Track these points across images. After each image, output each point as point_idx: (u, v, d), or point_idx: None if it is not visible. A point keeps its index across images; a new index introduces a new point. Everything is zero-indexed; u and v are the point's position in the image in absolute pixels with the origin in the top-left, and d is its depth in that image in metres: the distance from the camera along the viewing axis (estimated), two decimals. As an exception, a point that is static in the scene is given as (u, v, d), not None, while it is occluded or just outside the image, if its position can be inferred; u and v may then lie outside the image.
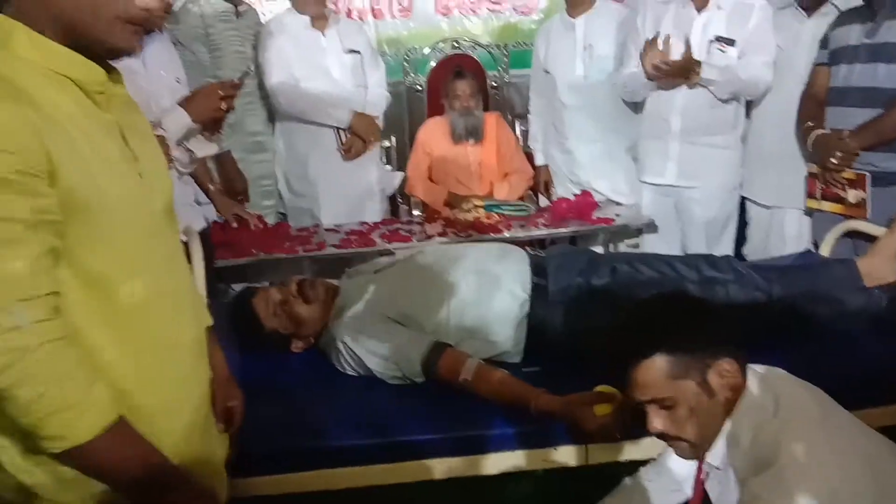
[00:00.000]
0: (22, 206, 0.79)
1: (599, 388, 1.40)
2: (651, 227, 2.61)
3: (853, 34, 2.12)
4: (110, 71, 0.95)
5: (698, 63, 2.33)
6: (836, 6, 2.27)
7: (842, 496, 0.99)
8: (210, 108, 1.71)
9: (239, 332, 1.68)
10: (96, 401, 0.84)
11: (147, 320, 0.94)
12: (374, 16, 3.84)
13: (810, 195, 2.25)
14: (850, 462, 1.03)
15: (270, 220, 2.76)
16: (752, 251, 2.57)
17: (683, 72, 2.33)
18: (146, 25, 0.88)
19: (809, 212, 2.33)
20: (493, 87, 3.73)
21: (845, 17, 2.18)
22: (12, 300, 0.79)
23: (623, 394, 1.37)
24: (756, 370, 1.14)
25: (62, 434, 0.82)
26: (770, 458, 1.03)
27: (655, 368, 1.10)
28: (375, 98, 2.80)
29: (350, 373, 1.63)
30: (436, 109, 3.32)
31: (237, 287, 2.40)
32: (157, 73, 1.88)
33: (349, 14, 3.75)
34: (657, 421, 1.12)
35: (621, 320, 1.45)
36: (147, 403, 0.93)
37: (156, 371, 0.95)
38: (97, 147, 0.88)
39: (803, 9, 2.33)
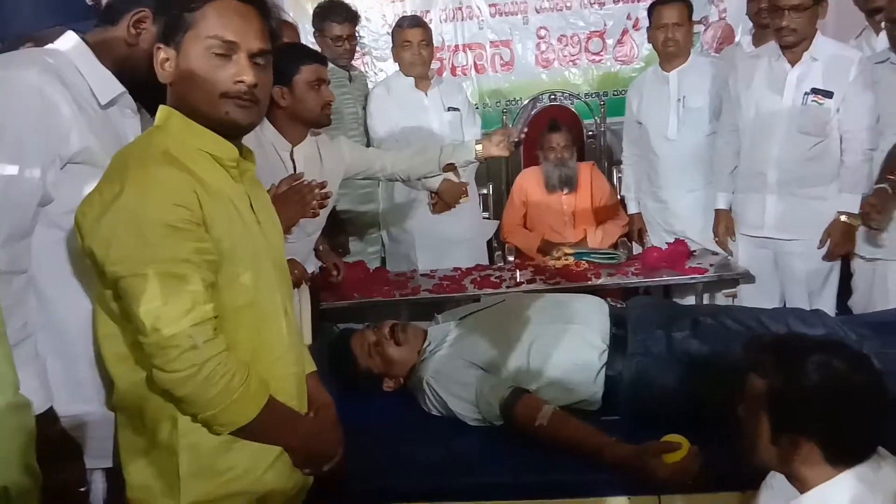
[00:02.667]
0: (190, 249, 1.01)
1: (669, 437, 1.43)
2: (747, 277, 2.56)
3: None
4: (243, 150, 1.15)
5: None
6: None
7: None
8: (297, 212, 1.66)
9: (336, 369, 1.84)
10: (253, 391, 1.07)
11: (263, 346, 1.14)
12: (477, 71, 4.03)
13: None
14: None
15: (374, 265, 2.96)
16: (857, 304, 2.46)
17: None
18: (251, 98, 1.09)
19: None
20: (589, 136, 3.80)
21: None
22: (189, 324, 1.00)
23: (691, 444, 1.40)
24: (881, 455, 1.11)
25: (231, 422, 1.07)
26: None
27: (755, 383, 1.14)
28: None
29: (435, 413, 1.74)
30: (532, 159, 3.44)
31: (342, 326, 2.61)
32: None
33: (453, 71, 3.97)
34: (740, 408, 1.18)
35: (696, 381, 1.48)
36: None
37: (270, 387, 1.13)
38: (233, 209, 1.09)
39: None
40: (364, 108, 2.93)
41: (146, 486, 1.11)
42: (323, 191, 1.68)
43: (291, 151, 1.99)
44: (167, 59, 1.08)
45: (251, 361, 1.11)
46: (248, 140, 1.20)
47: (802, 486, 1.13)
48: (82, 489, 1.19)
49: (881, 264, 2.36)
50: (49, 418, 1.13)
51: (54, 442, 1.11)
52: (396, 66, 2.96)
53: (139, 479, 1.12)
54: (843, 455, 1.09)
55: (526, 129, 2.49)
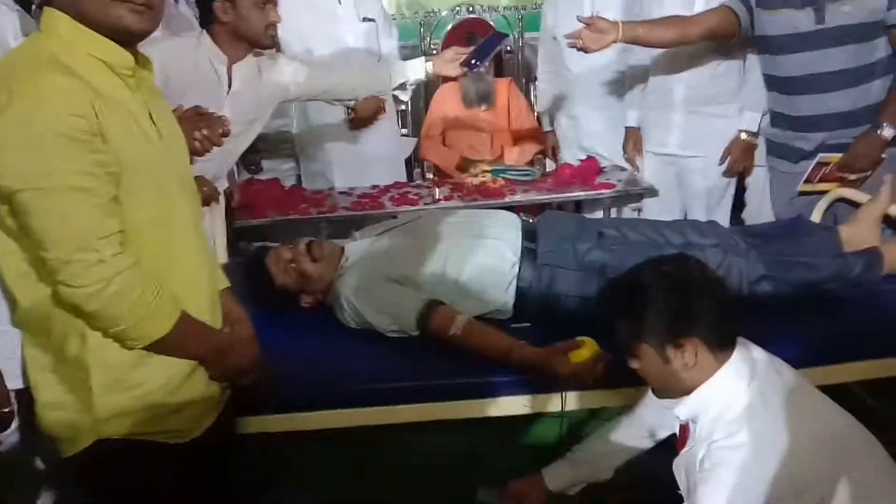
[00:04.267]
0: (90, 161, 0.97)
1: (578, 339, 1.53)
2: (652, 192, 2.69)
3: (797, 21, 2.06)
4: (139, 58, 1.10)
5: None
6: None
7: (795, 473, 1.10)
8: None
9: (252, 287, 1.84)
10: (164, 307, 1.07)
11: (171, 263, 1.12)
12: (393, -21, 3.91)
13: (808, 180, 2.22)
14: (809, 440, 1.13)
15: (289, 182, 2.90)
16: (749, 217, 2.65)
17: None
18: (145, 3, 1.03)
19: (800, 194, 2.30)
20: (507, 52, 3.78)
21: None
22: (94, 239, 0.98)
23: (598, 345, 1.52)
24: (743, 344, 1.24)
25: (143, 336, 1.06)
26: (735, 427, 1.15)
27: (620, 329, 1.25)
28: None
29: (353, 326, 1.78)
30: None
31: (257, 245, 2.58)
32: None
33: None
34: (630, 361, 1.28)
35: (600, 288, 1.58)
36: None
37: (181, 304, 1.13)
38: (132, 117, 1.05)
39: None
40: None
41: (58, 402, 1.10)
42: (226, 127, 1.50)
43: (229, 67, 1.91)
44: None
45: (161, 278, 1.09)
46: (184, 53, 1.14)
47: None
48: (6, 409, 1.17)
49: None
50: None
51: None
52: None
53: (50, 396, 1.11)
54: (719, 337, 1.20)
55: (487, 64, 2.33)
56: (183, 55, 1.85)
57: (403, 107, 3.51)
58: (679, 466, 1.28)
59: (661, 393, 1.29)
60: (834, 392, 1.30)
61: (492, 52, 2.14)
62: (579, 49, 2.20)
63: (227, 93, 1.92)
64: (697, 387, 1.21)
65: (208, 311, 1.20)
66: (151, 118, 1.11)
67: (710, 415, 1.19)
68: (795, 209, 2.23)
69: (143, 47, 1.11)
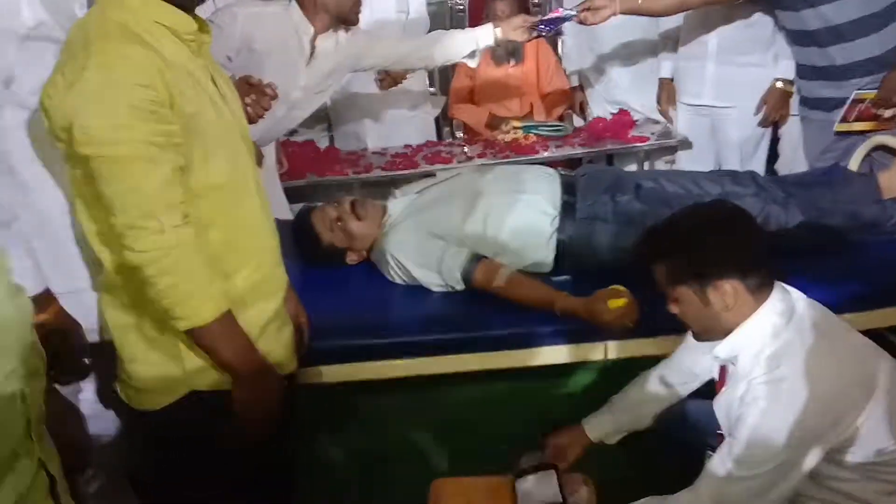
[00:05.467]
0: (157, 131, 1.01)
1: (613, 287, 1.57)
2: (685, 144, 2.69)
3: None
4: (199, 23, 1.13)
5: None
6: None
7: (832, 405, 1.14)
8: None
9: (300, 246, 1.90)
10: (214, 294, 1.09)
11: (241, 222, 1.17)
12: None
13: (844, 119, 2.21)
14: (846, 374, 1.17)
15: (323, 144, 2.94)
16: (783, 167, 2.64)
17: None
18: None
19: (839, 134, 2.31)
20: (535, 5, 3.73)
21: None
22: (157, 207, 1.01)
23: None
24: (781, 287, 1.26)
25: (188, 315, 1.07)
26: (774, 363, 1.18)
27: (659, 273, 1.28)
28: (414, 26, 2.89)
29: (398, 282, 1.84)
30: (478, 31, 3.37)
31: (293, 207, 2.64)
32: None
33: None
34: (670, 306, 1.31)
35: (641, 233, 1.59)
36: (242, 291, 1.17)
37: (249, 261, 1.19)
38: (199, 83, 1.09)
39: None
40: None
41: (144, 357, 1.16)
42: (274, 93, 1.50)
43: (313, 38, 1.94)
44: None
45: (230, 238, 1.14)
46: (271, 21, 1.15)
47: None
48: (87, 360, 1.23)
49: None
50: (45, 299, 1.16)
51: (54, 320, 1.15)
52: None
53: (136, 352, 1.17)
54: (757, 277, 1.22)
55: (551, 29, 2.26)
56: (270, 23, 1.88)
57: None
58: (720, 406, 1.33)
59: (702, 335, 1.32)
60: (870, 338, 1.32)
61: (560, 23, 2.19)
62: (579, 23, 2.20)
63: (308, 63, 1.95)
64: (736, 327, 1.24)
65: (275, 265, 1.26)
66: (214, 82, 1.15)
67: (750, 353, 1.23)
68: (831, 158, 2.23)
69: (228, 11, 1.14)
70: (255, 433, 1.17)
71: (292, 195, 2.67)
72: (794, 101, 2.48)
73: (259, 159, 2.01)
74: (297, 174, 2.58)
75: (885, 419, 1.17)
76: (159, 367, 1.16)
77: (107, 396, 1.39)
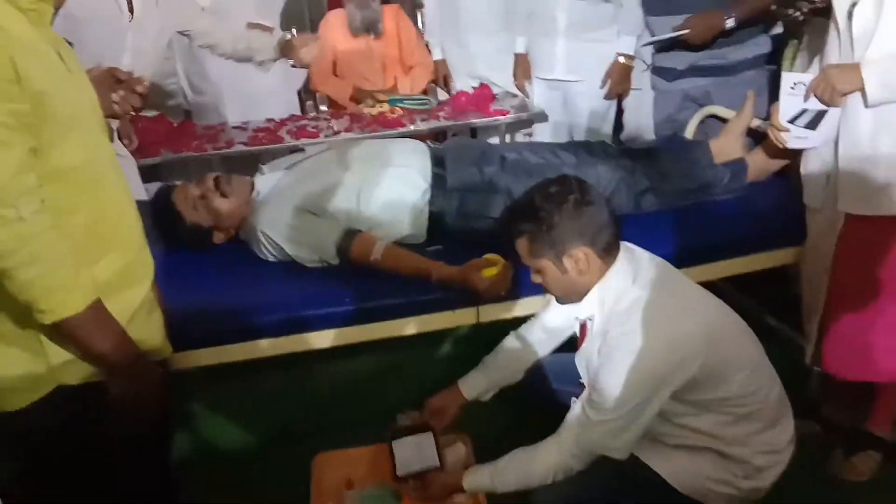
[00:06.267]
0: (5, 111, 0.91)
1: (487, 256, 1.65)
2: (541, 117, 2.83)
3: None
4: None
5: None
6: None
7: (679, 350, 1.27)
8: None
9: (161, 227, 1.80)
10: (82, 283, 1.01)
11: (103, 205, 1.09)
12: None
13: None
14: (689, 322, 1.30)
15: (178, 119, 2.77)
16: (627, 138, 2.86)
17: None
18: None
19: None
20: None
21: None
22: (13, 195, 0.92)
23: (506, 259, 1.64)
24: (627, 247, 1.39)
25: (54, 308, 0.99)
26: (625, 318, 1.30)
27: (520, 247, 1.37)
28: None
29: (271, 259, 1.81)
30: (336, 2, 3.32)
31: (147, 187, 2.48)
32: None
33: None
34: (533, 277, 1.41)
35: (505, 205, 1.67)
36: (108, 278, 1.09)
37: (114, 247, 1.11)
38: (45, 59, 1.00)
39: None
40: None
41: (2, 356, 1.06)
42: (144, 86, 1.36)
43: None
44: None
45: (92, 223, 1.06)
46: None
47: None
48: None
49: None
50: None
51: None
52: None
53: None
54: (604, 242, 1.33)
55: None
56: None
57: (289, 36, 3.39)
58: (580, 361, 1.46)
59: (564, 299, 1.43)
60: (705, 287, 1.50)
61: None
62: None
63: (130, 21, 1.80)
64: (591, 288, 1.37)
65: (142, 247, 1.19)
66: (60, 56, 1.06)
67: (604, 310, 1.36)
68: (674, 126, 2.44)
69: None
70: (135, 424, 1.12)
71: (146, 174, 2.51)
72: (638, 75, 2.69)
73: (110, 134, 1.87)
74: (150, 151, 2.42)
75: (721, 360, 1.33)
76: (20, 363, 1.07)
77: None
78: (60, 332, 1.04)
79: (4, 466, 1.17)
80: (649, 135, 2.59)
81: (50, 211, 0.98)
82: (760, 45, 2.33)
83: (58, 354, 1.07)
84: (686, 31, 2.27)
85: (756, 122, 2.16)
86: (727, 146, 2.13)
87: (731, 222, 1.94)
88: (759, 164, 2.07)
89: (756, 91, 2.22)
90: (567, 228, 1.31)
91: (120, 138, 2.21)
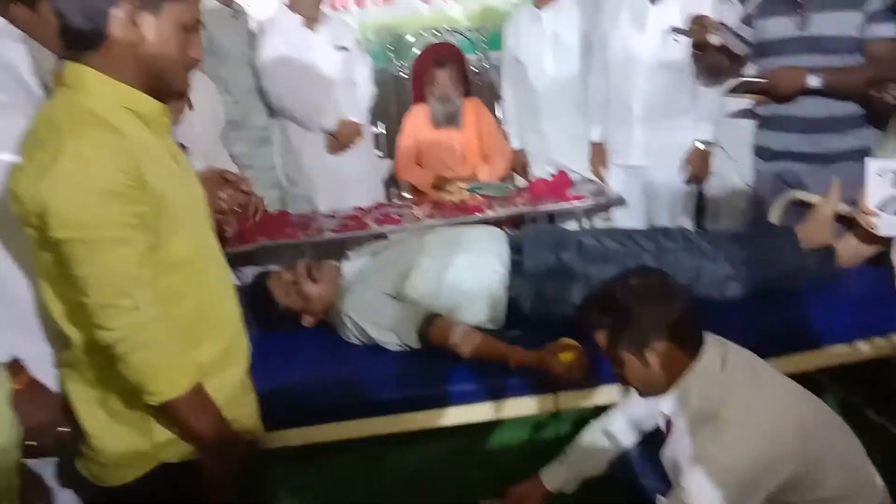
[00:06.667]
0: (130, 213, 1.04)
1: (563, 340, 1.66)
2: (620, 202, 2.86)
3: (782, 26, 2.26)
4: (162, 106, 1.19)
5: None
6: None
7: (769, 451, 1.22)
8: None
9: (257, 311, 1.92)
10: (186, 367, 1.11)
11: (208, 293, 1.20)
12: (358, 4, 4.00)
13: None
14: (779, 420, 1.25)
15: (274, 208, 2.98)
16: (709, 222, 2.84)
17: None
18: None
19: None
20: (474, 72, 3.93)
21: (768, 6, 2.30)
22: (131, 286, 1.05)
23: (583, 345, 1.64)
24: (712, 339, 1.36)
25: (160, 390, 1.09)
26: (713, 413, 1.27)
27: (599, 339, 1.38)
28: (362, 94, 3.02)
29: (355, 342, 1.88)
30: (421, 96, 3.52)
31: (245, 271, 2.66)
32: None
33: (333, 5, 3.91)
34: (614, 369, 1.39)
35: (584, 295, 1.69)
36: (208, 361, 1.19)
37: (215, 331, 1.22)
38: (164, 164, 1.14)
39: None
40: (250, 47, 2.89)
41: (111, 431, 1.16)
42: (249, 186, 1.55)
43: None
44: (142, 21, 1.08)
45: (197, 309, 1.17)
46: None
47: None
48: (65, 429, 1.21)
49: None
50: (16, 368, 1.16)
51: (27, 390, 1.15)
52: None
53: (101, 426, 1.17)
54: (687, 336, 1.32)
55: None
56: None
57: (378, 129, 3.62)
58: (667, 457, 1.41)
59: (646, 393, 1.41)
60: (798, 379, 1.44)
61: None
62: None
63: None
64: (674, 382, 1.34)
65: (240, 331, 1.29)
66: (175, 160, 1.20)
67: (690, 406, 1.32)
68: (766, 208, 2.39)
69: None
70: (226, 501, 1.18)
71: (244, 260, 2.70)
72: (717, 160, 2.69)
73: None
74: (248, 239, 2.61)
75: (816, 461, 1.27)
76: (127, 441, 1.17)
77: (64, 474, 1.37)
78: (164, 413, 1.13)
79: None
80: (732, 220, 2.57)
81: (161, 300, 1.09)
82: (862, 137, 2.24)
83: (161, 433, 1.16)
84: (765, 79, 2.24)
85: (845, 208, 2.11)
86: (814, 232, 2.08)
87: (820, 310, 1.87)
88: (850, 251, 2.01)
89: (853, 183, 2.15)
90: (648, 322, 1.30)
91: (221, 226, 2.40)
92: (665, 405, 1.38)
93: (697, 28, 2.36)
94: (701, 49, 2.37)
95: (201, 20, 1.15)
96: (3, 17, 1.31)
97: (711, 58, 2.32)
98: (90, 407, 1.18)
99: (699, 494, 1.23)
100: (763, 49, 2.31)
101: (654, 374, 1.33)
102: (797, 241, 2.07)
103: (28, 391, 1.18)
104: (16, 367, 1.18)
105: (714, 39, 2.31)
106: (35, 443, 1.17)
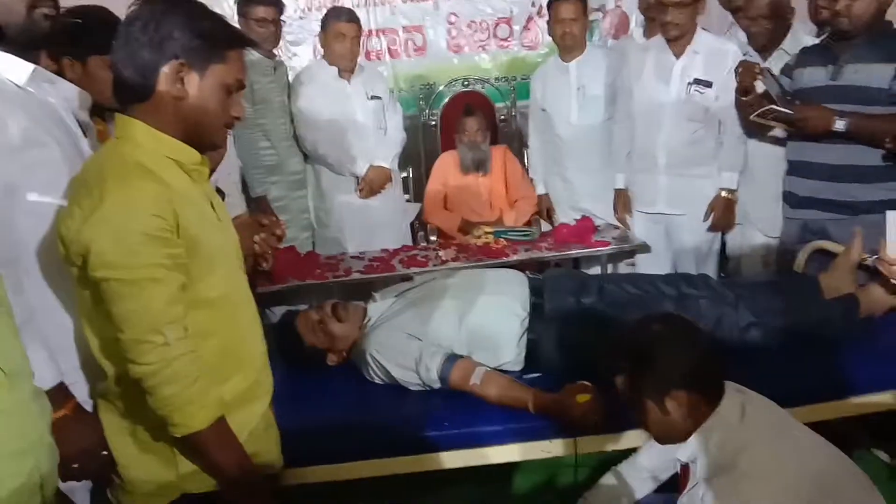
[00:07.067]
0: (165, 255, 1.12)
1: (581, 382, 1.69)
2: (644, 248, 2.88)
3: (817, 75, 2.32)
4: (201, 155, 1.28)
5: None
6: (784, 51, 2.53)
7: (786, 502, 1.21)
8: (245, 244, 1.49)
9: (283, 348, 1.99)
10: (210, 402, 1.17)
11: (237, 331, 1.27)
12: (391, 55, 4.17)
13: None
14: (798, 471, 1.24)
15: (305, 249, 3.07)
16: (732, 270, 2.84)
17: None
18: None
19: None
20: (501, 120, 4.04)
21: (806, 58, 2.37)
22: (162, 323, 1.11)
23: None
24: (733, 388, 1.36)
25: (185, 422, 1.14)
26: (731, 464, 1.26)
27: (619, 383, 1.38)
28: (392, 141, 3.12)
29: (377, 381, 1.93)
30: (449, 143, 3.63)
31: (275, 310, 2.74)
32: None
33: (367, 55, 4.09)
34: (634, 414, 1.39)
35: (604, 339, 1.70)
36: (233, 396, 1.25)
37: (241, 367, 1.28)
38: (200, 209, 1.22)
39: (757, 52, 2.59)
40: (288, 97, 3.03)
41: (139, 460, 1.22)
42: (282, 230, 1.63)
43: None
44: (188, 79, 1.16)
45: (225, 347, 1.23)
46: None
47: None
48: (105, 452, 1.26)
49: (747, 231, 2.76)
50: (61, 394, 1.23)
51: (72, 416, 1.22)
52: (310, 51, 3.05)
53: (131, 456, 1.23)
54: (709, 386, 1.32)
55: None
56: None
57: (406, 174, 3.72)
58: None
59: (664, 440, 1.41)
60: (817, 428, 1.43)
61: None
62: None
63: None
64: (694, 431, 1.34)
65: (264, 368, 1.35)
66: (212, 205, 1.28)
67: (708, 454, 1.32)
68: (792, 255, 2.40)
69: None
70: None
71: (274, 299, 2.78)
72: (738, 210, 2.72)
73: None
74: (278, 279, 2.69)
75: None
76: (153, 471, 1.22)
77: (95, 502, 1.42)
78: (188, 445, 1.18)
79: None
80: (755, 268, 2.57)
81: (191, 337, 1.15)
82: (889, 189, 2.22)
83: (186, 465, 1.22)
84: (790, 111, 2.25)
85: (867, 258, 2.11)
86: (837, 281, 2.09)
87: (842, 359, 1.86)
88: (874, 299, 2.01)
89: (877, 233, 2.13)
90: (669, 369, 1.30)
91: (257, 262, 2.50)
92: (682, 453, 1.38)
93: (744, 72, 2.40)
94: (745, 94, 2.41)
95: (244, 82, 1.24)
96: (45, 67, 1.41)
97: (755, 102, 2.35)
98: (121, 437, 1.24)
99: None
100: (798, 97, 2.34)
101: (674, 422, 1.33)
102: (820, 290, 2.07)
103: (73, 416, 1.24)
104: (60, 393, 1.24)
105: (759, 86, 2.34)
106: (77, 465, 1.23)
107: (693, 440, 1.34)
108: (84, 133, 1.45)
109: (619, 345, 1.40)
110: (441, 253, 2.87)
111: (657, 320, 1.38)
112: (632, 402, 1.37)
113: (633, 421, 1.68)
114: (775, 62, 2.53)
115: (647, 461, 1.64)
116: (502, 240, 2.95)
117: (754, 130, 2.58)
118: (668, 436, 1.38)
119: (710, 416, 1.32)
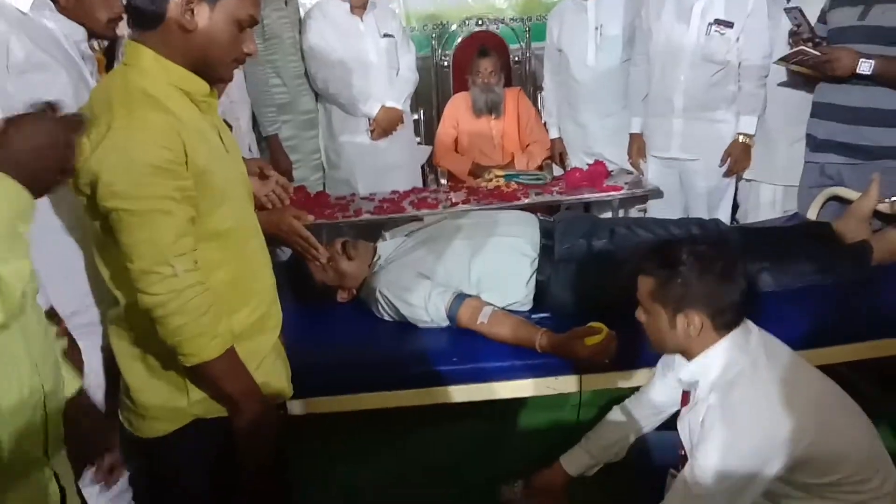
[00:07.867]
0: (173, 187, 1.12)
1: (591, 324, 1.69)
2: (656, 194, 2.86)
3: (846, 15, 2.24)
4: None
5: None
6: None
7: (780, 432, 1.24)
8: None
9: (293, 285, 2.01)
10: (220, 332, 1.18)
11: (246, 263, 1.27)
12: (404, -7, 4.08)
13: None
14: (796, 404, 1.26)
15: (316, 190, 3.07)
16: (742, 217, 2.82)
17: None
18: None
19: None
20: (515, 62, 3.95)
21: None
22: (171, 255, 1.12)
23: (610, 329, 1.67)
24: (748, 325, 1.37)
25: (195, 353, 1.16)
26: (729, 391, 1.29)
27: (643, 283, 1.39)
28: (404, 82, 3.08)
29: (387, 318, 1.94)
30: (461, 84, 3.57)
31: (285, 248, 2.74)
32: None
33: (379, -8, 3.99)
34: (638, 313, 1.42)
35: (613, 281, 1.70)
36: (243, 327, 1.27)
37: (251, 300, 1.29)
38: (208, 140, 1.21)
39: None
40: (300, 33, 2.97)
41: (151, 386, 1.25)
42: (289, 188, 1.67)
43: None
44: (198, 10, 1.14)
45: (234, 279, 1.24)
46: None
47: (691, 356, 1.38)
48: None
49: (755, 185, 2.73)
50: (53, 318, 1.26)
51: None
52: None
53: (142, 381, 1.26)
54: (724, 319, 1.33)
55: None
56: None
57: (417, 116, 3.68)
58: (683, 426, 1.43)
59: (657, 348, 1.44)
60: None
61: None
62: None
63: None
64: (696, 354, 1.36)
65: (273, 301, 1.37)
66: (220, 137, 1.27)
67: (709, 379, 1.34)
68: (809, 199, 2.38)
69: None
70: (254, 459, 1.26)
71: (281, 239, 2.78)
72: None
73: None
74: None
75: (831, 443, 1.28)
76: (164, 396, 1.25)
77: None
78: (198, 374, 1.20)
79: (139, 486, 1.34)
80: (758, 215, 2.55)
81: (200, 269, 1.15)
82: None
83: (197, 392, 1.24)
84: (821, 54, 2.20)
85: (883, 206, 2.08)
86: (851, 228, 2.07)
87: (852, 305, 1.86)
88: (887, 247, 1.98)
89: (893, 180, 2.12)
90: (697, 292, 1.31)
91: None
92: (684, 374, 1.40)
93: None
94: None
95: (257, 17, 1.21)
96: None
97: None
98: (132, 362, 1.26)
99: (711, 466, 1.26)
100: (828, 38, 2.29)
101: (674, 338, 1.35)
102: (833, 236, 2.05)
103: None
104: (53, 316, 1.26)
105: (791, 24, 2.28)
106: None
107: (695, 363, 1.36)
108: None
109: (661, 249, 1.40)
110: (452, 195, 2.86)
111: (707, 242, 1.38)
112: (645, 302, 1.38)
113: (639, 359, 1.72)
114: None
115: (653, 397, 1.66)
116: (513, 183, 2.93)
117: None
118: (663, 346, 1.41)
119: (716, 343, 1.34)
